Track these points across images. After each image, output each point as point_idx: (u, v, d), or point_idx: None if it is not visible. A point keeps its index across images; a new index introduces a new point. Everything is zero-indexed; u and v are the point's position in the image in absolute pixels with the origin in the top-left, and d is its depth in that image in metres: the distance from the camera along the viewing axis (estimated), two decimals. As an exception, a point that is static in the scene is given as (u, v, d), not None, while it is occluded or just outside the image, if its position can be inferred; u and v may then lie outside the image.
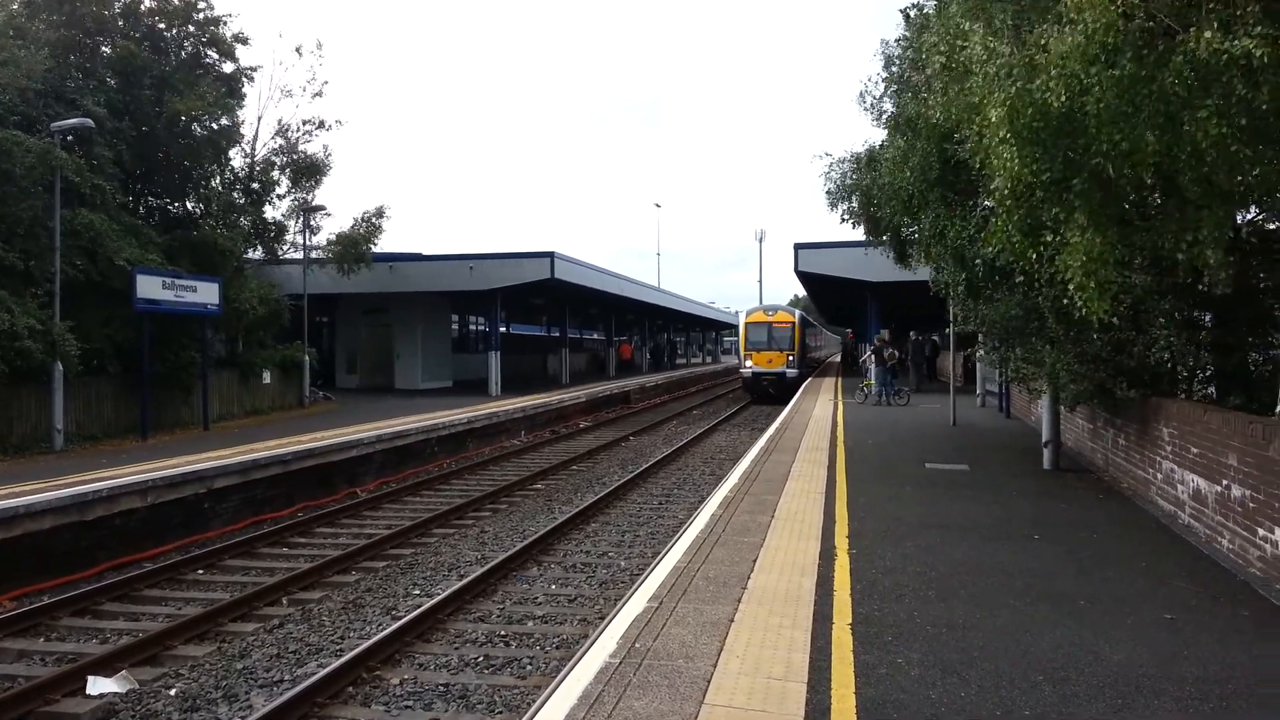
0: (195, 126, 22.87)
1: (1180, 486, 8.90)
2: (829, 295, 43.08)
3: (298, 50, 30.15)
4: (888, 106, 14.10)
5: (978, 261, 11.33)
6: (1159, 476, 9.63)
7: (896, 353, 25.31)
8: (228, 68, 24.81)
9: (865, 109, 14.89)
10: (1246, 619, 5.95)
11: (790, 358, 35.34)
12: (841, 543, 8.04)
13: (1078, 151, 6.96)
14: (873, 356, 24.76)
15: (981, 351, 14.93)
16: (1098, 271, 7.13)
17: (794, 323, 36.07)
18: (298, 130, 26.97)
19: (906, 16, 12.33)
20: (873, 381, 24.31)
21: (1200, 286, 9.74)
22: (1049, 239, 7.52)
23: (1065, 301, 8.40)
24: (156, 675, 7.66)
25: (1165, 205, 7.59)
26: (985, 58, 7.16)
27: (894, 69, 13.54)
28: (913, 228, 14.25)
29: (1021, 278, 10.46)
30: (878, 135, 16.02)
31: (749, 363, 36.22)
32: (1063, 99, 6.37)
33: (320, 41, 31.04)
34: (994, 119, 6.86)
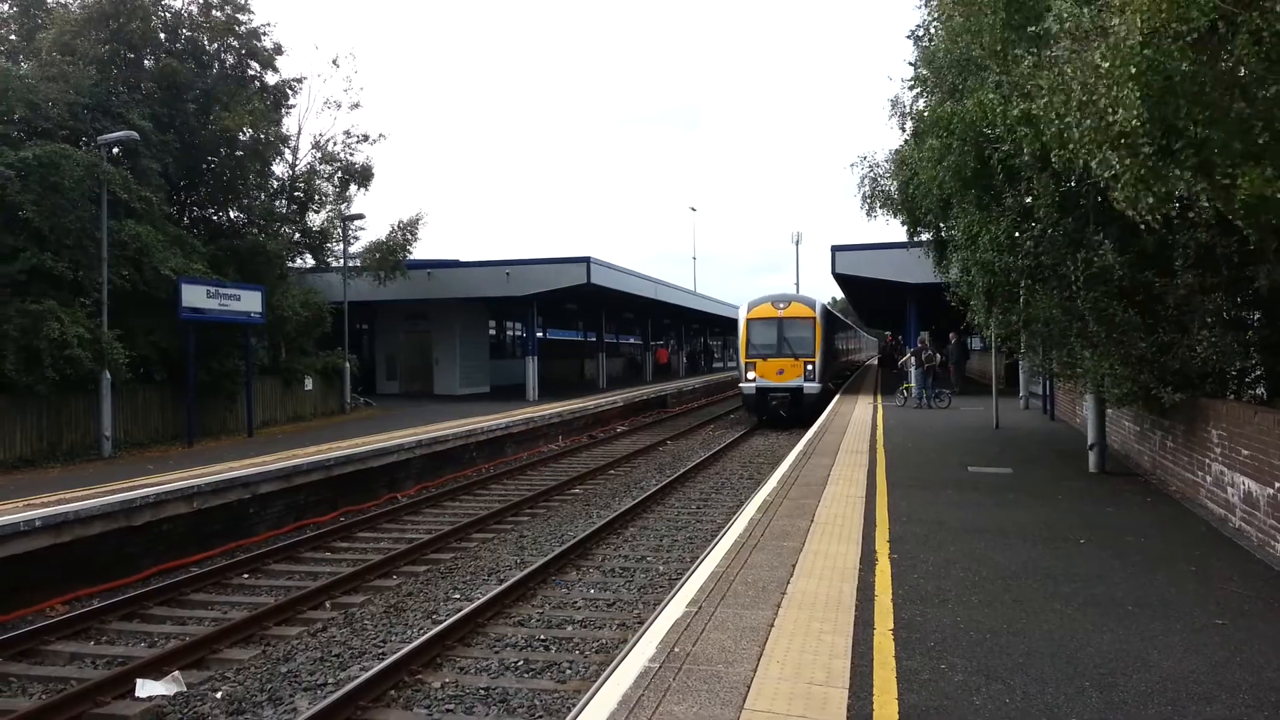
0: (240, 138, 23.27)
1: (1230, 489, 8.71)
2: (868, 298, 42.04)
3: (335, 62, 30.65)
4: (921, 105, 14.01)
5: (1011, 264, 11.18)
6: (1208, 479, 9.43)
7: (937, 355, 25.05)
8: (271, 79, 25.26)
9: (894, 116, 14.87)
10: (1301, 625, 5.80)
11: (809, 366, 26.19)
12: (882, 547, 7.96)
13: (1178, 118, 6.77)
14: (913, 359, 24.53)
15: (1022, 352, 14.75)
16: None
17: (814, 318, 26.81)
18: (339, 144, 27.38)
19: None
20: (913, 384, 24.09)
21: (1249, 283, 9.50)
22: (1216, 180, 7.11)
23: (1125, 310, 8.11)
24: (203, 678, 7.79)
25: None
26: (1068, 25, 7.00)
27: (922, 70, 13.41)
28: (948, 229, 14.15)
29: (1076, 267, 10.17)
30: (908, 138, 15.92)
31: (751, 374, 26.72)
32: (1191, 58, 6.19)
33: (354, 52, 31.64)
34: (1105, 68, 6.56)
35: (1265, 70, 6.32)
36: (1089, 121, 6.91)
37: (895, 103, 15.12)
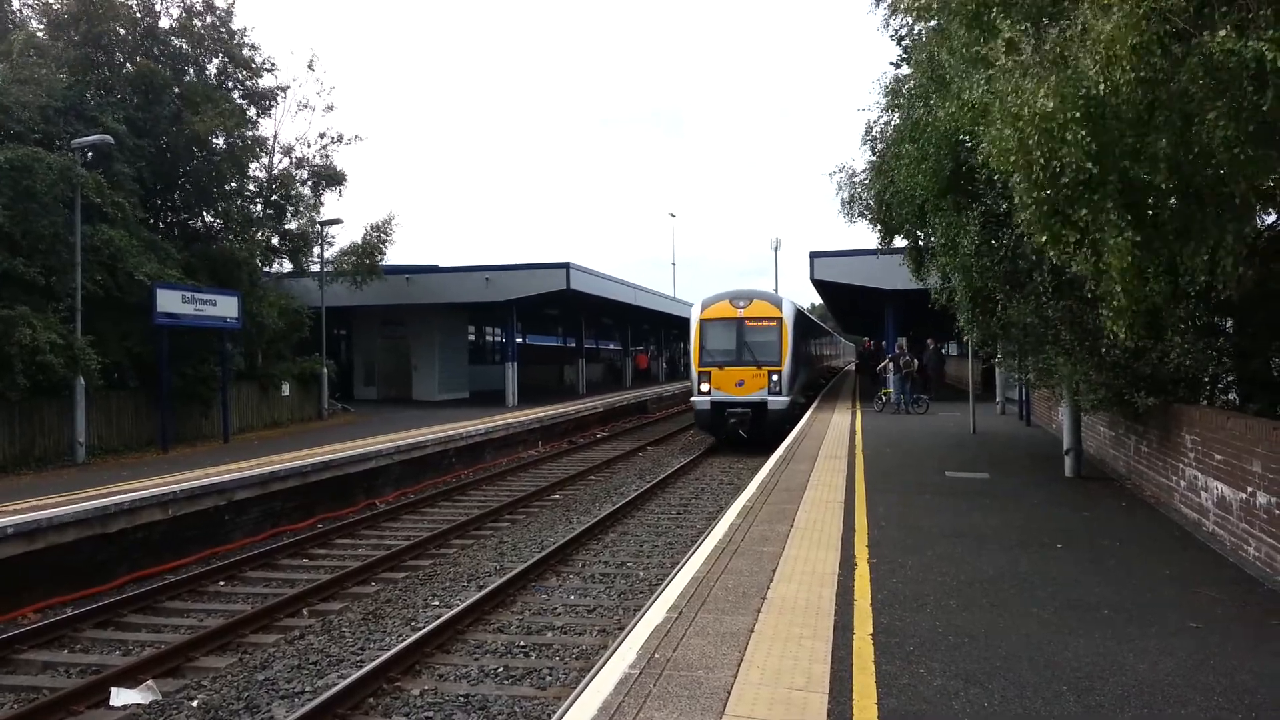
0: (215, 142, 23.11)
1: (1204, 494, 8.81)
2: (846, 304, 42.29)
3: (310, 65, 30.48)
4: (896, 120, 14.17)
5: (984, 268, 11.31)
6: (1182, 484, 9.54)
7: (915, 360, 25.19)
8: (250, 84, 25.11)
9: (866, 141, 15.10)
10: (1276, 628, 5.87)
11: (775, 376, 22.21)
12: (861, 552, 8.00)
13: (1102, 148, 6.89)
14: (890, 365, 24.68)
15: (998, 359, 14.90)
16: (1130, 284, 7.12)
17: (781, 319, 22.79)
18: (314, 145, 27.26)
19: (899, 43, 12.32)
20: (891, 390, 24.23)
21: (1216, 293, 9.64)
22: (1075, 237, 7.43)
23: (1097, 318, 8.40)
24: (179, 686, 7.71)
25: (1181, 212, 7.53)
26: (1006, 63, 7.12)
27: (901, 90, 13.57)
28: (927, 236, 14.28)
29: (1044, 276, 10.38)
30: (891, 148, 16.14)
31: (705, 386, 22.58)
32: (1120, 79, 6.28)
33: (328, 55, 31.63)
34: (1046, 107, 6.70)
35: None
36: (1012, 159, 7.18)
37: (869, 128, 15.35)
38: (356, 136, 28.38)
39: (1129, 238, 6.96)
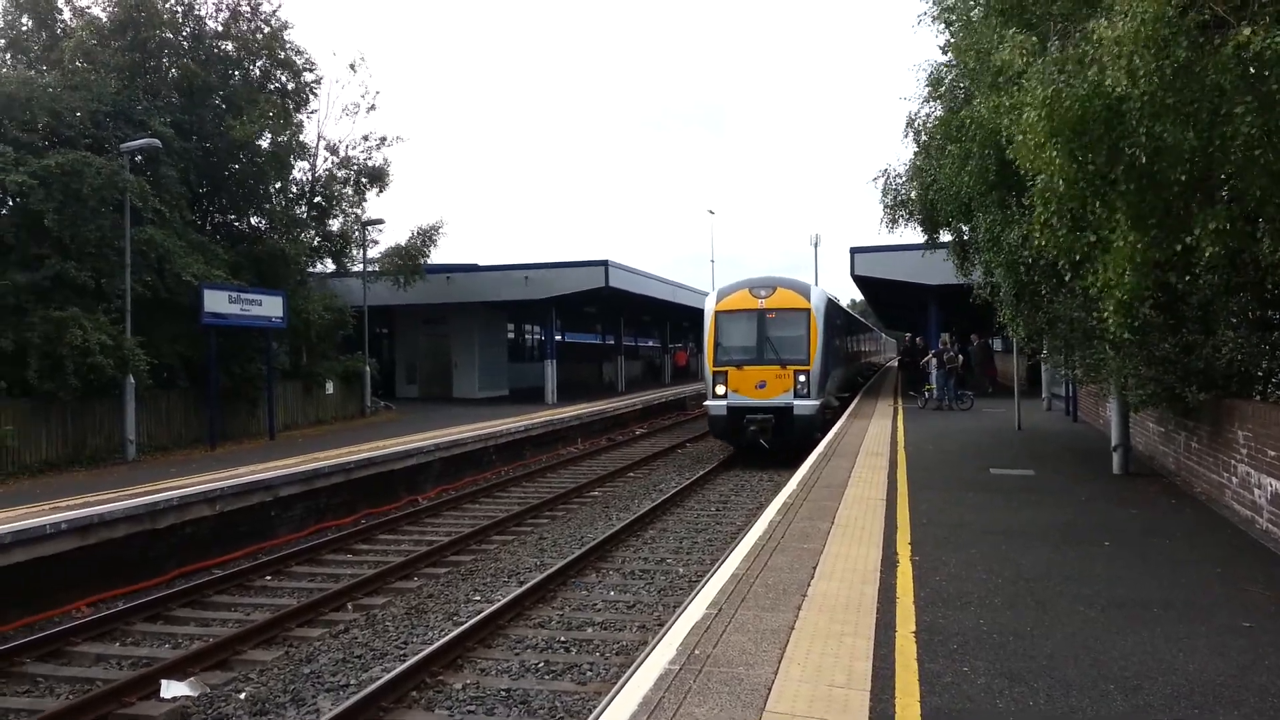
0: (260, 144, 23.49)
1: (1257, 490, 8.61)
2: (888, 300, 41.75)
3: (352, 66, 30.72)
4: (938, 110, 14.04)
5: (1029, 263, 11.18)
6: (1234, 480, 9.33)
7: (959, 356, 24.87)
8: (290, 85, 25.47)
9: (909, 133, 15.00)
10: (1331, 627, 5.72)
11: (802, 377, 19.20)
12: (904, 549, 7.92)
13: (1117, 144, 6.87)
14: (934, 360, 24.40)
15: (1044, 354, 14.68)
16: (1126, 283, 7.12)
17: (809, 310, 19.74)
18: (357, 146, 27.58)
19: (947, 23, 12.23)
20: (934, 385, 23.95)
21: (1272, 287, 9.42)
22: (1090, 238, 7.43)
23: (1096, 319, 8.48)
24: (227, 679, 7.85)
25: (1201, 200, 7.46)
26: (1022, 65, 7.14)
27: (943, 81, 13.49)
28: (972, 231, 14.13)
29: (1068, 275, 10.27)
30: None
31: (720, 388, 19.68)
32: (1124, 84, 6.24)
33: (371, 56, 31.87)
34: (1030, 120, 6.82)
35: None
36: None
37: (911, 120, 15.21)
38: (398, 137, 28.64)
39: (1132, 240, 6.98)
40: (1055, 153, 6.90)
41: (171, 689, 7.53)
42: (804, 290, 20.29)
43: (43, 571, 10.23)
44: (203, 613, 10.08)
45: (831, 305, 22.42)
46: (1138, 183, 7.01)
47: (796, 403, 19.04)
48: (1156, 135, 6.53)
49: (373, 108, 30.32)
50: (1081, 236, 7.63)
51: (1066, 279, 10.55)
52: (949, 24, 11.98)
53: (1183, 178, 6.85)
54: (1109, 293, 7.63)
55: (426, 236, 29.11)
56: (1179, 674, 4.95)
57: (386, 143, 27.87)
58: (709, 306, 20.71)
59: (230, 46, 23.84)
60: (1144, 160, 6.74)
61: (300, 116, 25.64)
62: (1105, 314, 8.03)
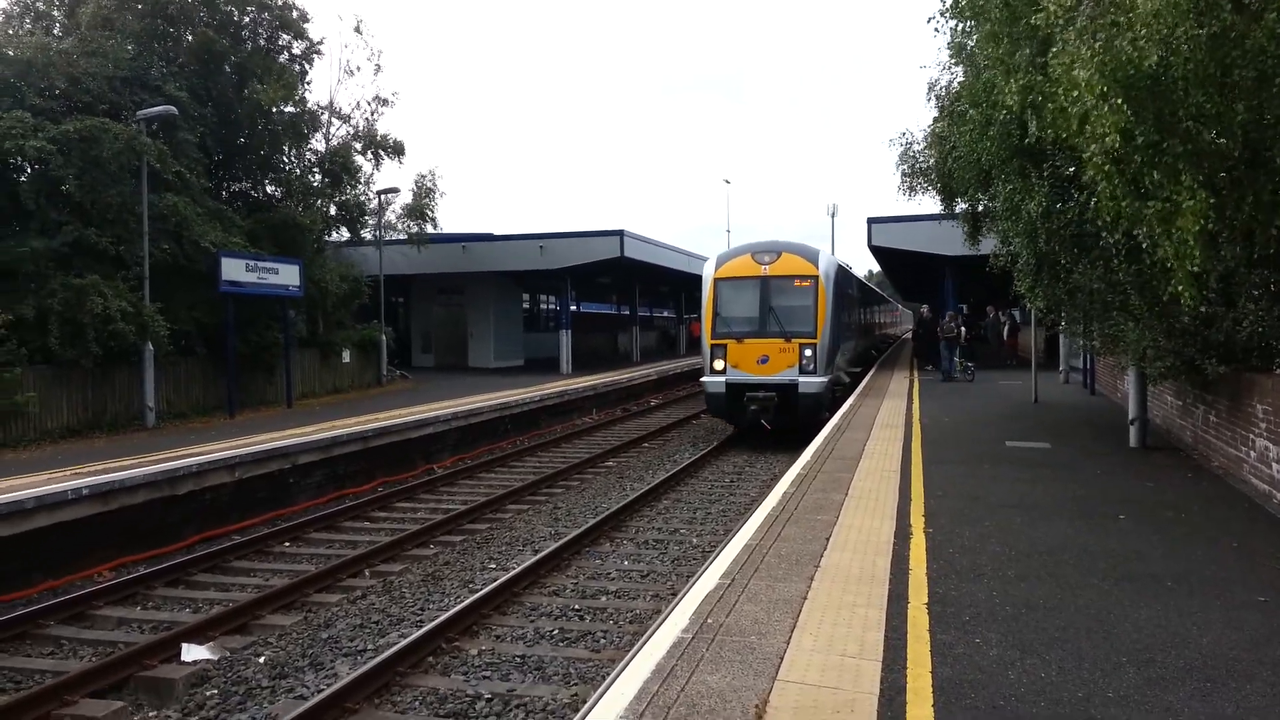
0: (275, 111, 23.42)
1: (1276, 465, 8.55)
2: (905, 272, 41.31)
3: (357, 29, 30.34)
4: (960, 76, 13.87)
5: (1053, 232, 11.03)
6: (1252, 455, 9.27)
7: (960, 329, 24.64)
8: (298, 48, 25.36)
9: (931, 98, 14.82)
10: (1347, 603, 5.70)
11: (808, 351, 17.70)
12: (917, 521, 7.93)
13: (1168, 114, 6.72)
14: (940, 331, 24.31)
15: (1063, 325, 14.57)
16: (1196, 254, 6.97)
17: (816, 277, 18.13)
18: (365, 108, 27.50)
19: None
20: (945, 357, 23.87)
21: None
22: (1157, 206, 7.26)
23: (1169, 283, 8.25)
24: (246, 643, 7.97)
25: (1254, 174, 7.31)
26: (1063, 20, 6.94)
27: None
28: (989, 200, 13.99)
29: (1120, 238, 10.10)
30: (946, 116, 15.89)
31: (719, 363, 18.28)
32: (1154, 58, 6.13)
33: (381, 18, 31.51)
34: (1083, 79, 6.58)
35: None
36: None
37: (932, 86, 15.06)
38: (394, 94, 28.30)
39: (1203, 199, 6.77)
40: (1111, 108, 6.54)
41: (192, 652, 7.65)
42: (812, 256, 18.65)
43: (65, 536, 10.38)
44: (222, 578, 10.21)
45: (842, 273, 21.02)
46: (1194, 144, 6.87)
47: (802, 380, 17.58)
48: (1201, 104, 6.41)
49: (379, 69, 30.02)
50: (1149, 206, 7.40)
51: (1123, 253, 10.35)
52: None
53: (1235, 153, 6.73)
54: (1180, 264, 7.45)
55: (426, 185, 29.29)
56: (1192, 647, 4.95)
57: (387, 103, 27.84)
58: (707, 272, 19.25)
59: (233, 9, 23.58)
60: (1196, 130, 6.62)
61: (308, 80, 25.58)
62: (1175, 288, 7.82)
